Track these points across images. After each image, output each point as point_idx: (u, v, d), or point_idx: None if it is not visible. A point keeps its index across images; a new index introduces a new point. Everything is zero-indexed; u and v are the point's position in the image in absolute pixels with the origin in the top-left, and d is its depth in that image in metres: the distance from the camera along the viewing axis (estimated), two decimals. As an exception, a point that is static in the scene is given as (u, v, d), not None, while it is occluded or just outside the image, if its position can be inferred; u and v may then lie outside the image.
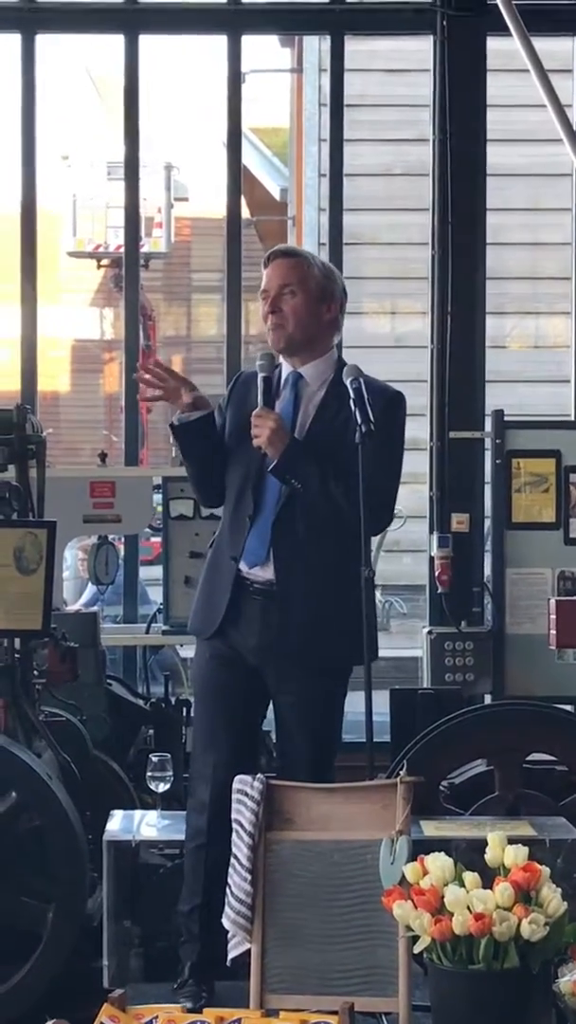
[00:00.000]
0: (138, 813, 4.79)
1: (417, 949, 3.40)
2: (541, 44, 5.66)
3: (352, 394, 4.04)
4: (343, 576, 4.05)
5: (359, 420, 3.98)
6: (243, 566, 4.13)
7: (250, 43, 6.88)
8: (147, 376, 4.22)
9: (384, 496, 4.13)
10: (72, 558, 9.56)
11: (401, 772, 3.75)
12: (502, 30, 5.73)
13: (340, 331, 4.33)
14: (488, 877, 3.45)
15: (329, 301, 4.23)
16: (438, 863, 3.45)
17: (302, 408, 4.18)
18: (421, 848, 3.64)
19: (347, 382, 4.09)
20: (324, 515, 4.06)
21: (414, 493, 10.70)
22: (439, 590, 6.37)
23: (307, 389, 4.20)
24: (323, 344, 4.24)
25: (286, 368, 4.24)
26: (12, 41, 6.80)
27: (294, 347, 4.19)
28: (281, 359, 4.25)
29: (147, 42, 6.84)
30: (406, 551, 10.50)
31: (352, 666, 4.27)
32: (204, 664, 4.25)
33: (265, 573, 4.12)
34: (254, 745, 4.31)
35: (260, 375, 4.12)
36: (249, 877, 3.72)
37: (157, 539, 10.18)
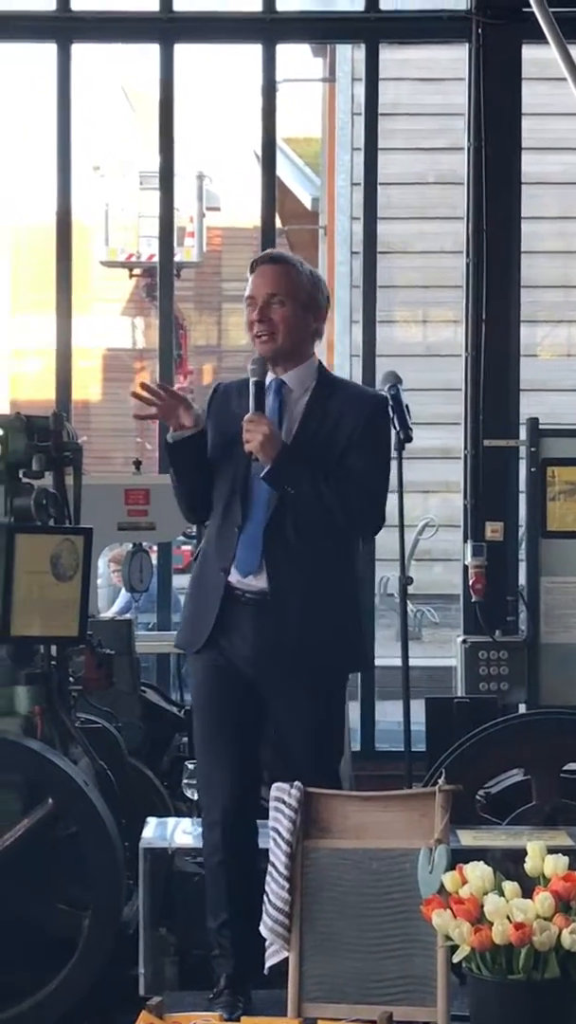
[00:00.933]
0: (173, 820, 4.79)
1: (456, 958, 3.38)
2: (574, 52, 5.65)
3: (391, 401, 4.03)
4: (335, 580, 4.08)
5: (397, 426, 3.97)
6: (233, 576, 4.09)
7: (282, 52, 6.88)
8: (144, 394, 4.18)
9: (376, 498, 4.13)
10: (104, 566, 9.56)
11: (439, 780, 3.73)
12: (538, 38, 5.73)
13: (322, 339, 4.32)
14: (525, 887, 3.44)
15: (316, 310, 4.20)
16: (477, 872, 3.43)
17: (287, 415, 4.15)
18: (458, 858, 3.62)
19: (384, 389, 4.08)
20: (316, 520, 4.04)
21: (446, 502, 10.76)
22: (473, 599, 6.35)
23: (291, 396, 4.17)
24: (306, 352, 4.22)
25: (268, 376, 4.19)
26: (48, 51, 6.83)
27: (281, 356, 4.17)
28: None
29: (179, 51, 6.85)
30: (438, 560, 10.50)
31: (349, 671, 4.29)
32: (201, 680, 4.21)
33: (258, 582, 4.07)
34: (257, 757, 4.24)
35: (252, 380, 4.08)
36: (287, 885, 3.71)
37: (188, 547, 10.21)
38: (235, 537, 4.10)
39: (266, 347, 4.14)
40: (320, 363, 4.29)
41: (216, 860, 4.16)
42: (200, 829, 4.53)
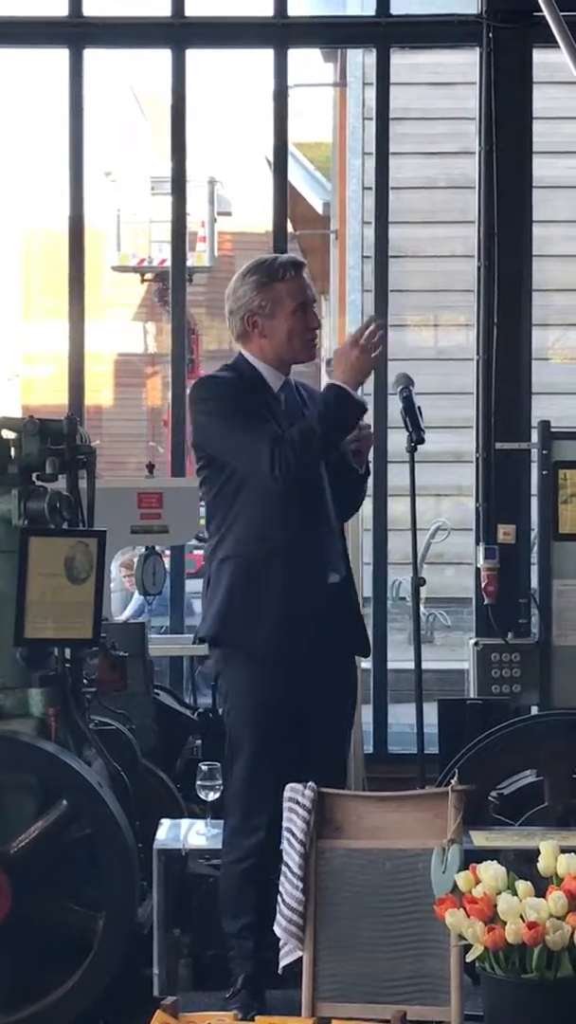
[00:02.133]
0: (186, 822, 4.81)
1: (470, 958, 3.40)
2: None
3: (402, 403, 4.06)
4: None
5: (410, 428, 4.00)
6: (331, 574, 4.20)
7: (293, 57, 6.90)
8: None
9: None
10: (115, 571, 9.59)
11: (452, 781, 3.74)
12: (548, 42, 5.74)
13: None
14: (538, 887, 3.45)
15: None
16: (491, 872, 3.45)
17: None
18: (471, 858, 3.63)
19: (396, 391, 4.11)
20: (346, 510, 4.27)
21: (458, 506, 10.78)
22: (486, 601, 6.36)
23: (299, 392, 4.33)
24: None
25: (277, 376, 4.24)
26: (60, 56, 6.85)
27: None
28: (265, 367, 4.25)
29: (190, 56, 6.87)
30: (450, 563, 10.51)
31: None
32: (273, 684, 4.16)
33: (336, 577, 4.21)
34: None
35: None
36: (301, 885, 3.73)
37: (199, 552, 10.23)
38: (325, 537, 4.19)
39: (313, 351, 4.27)
40: None
41: (250, 864, 4.15)
42: (215, 831, 4.55)
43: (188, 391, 4.39)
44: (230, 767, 4.29)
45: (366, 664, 5.63)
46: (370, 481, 4.44)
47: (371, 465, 4.28)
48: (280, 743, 4.18)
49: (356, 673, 4.45)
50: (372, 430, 4.17)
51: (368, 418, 4.17)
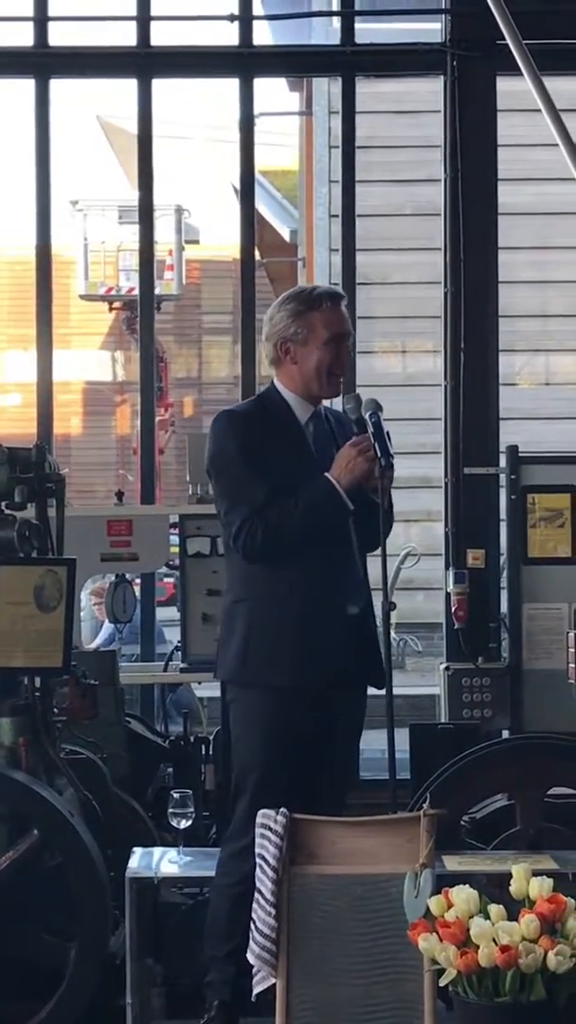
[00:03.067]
0: (158, 850, 4.79)
1: (443, 982, 3.39)
2: (548, 84, 5.71)
3: (371, 428, 4.08)
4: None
5: (379, 453, 4.02)
6: (349, 606, 4.20)
7: (259, 86, 6.93)
8: None
9: None
10: (86, 600, 9.57)
11: (424, 806, 3.74)
12: (512, 70, 5.78)
13: None
14: (510, 911, 3.45)
15: None
16: (463, 895, 3.44)
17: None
18: (443, 883, 3.62)
19: (365, 416, 4.13)
20: (364, 538, 4.21)
21: (427, 531, 10.80)
22: (456, 626, 6.37)
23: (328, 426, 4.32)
24: None
25: (306, 406, 4.26)
26: (26, 86, 6.87)
27: None
28: (293, 397, 4.28)
29: (156, 86, 6.90)
30: (420, 589, 10.52)
31: None
32: (288, 717, 4.18)
33: (354, 609, 4.22)
34: None
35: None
36: (273, 912, 3.71)
37: (170, 580, 10.22)
38: (338, 569, 4.19)
39: (338, 388, 4.27)
40: None
41: (244, 889, 4.07)
42: (187, 859, 4.54)
43: None
44: (237, 793, 4.30)
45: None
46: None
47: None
48: (289, 772, 4.18)
49: (365, 704, 4.42)
50: (393, 469, 4.16)
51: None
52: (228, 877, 4.22)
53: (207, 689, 6.69)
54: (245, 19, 6.82)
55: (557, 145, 5.55)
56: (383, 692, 4.16)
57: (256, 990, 3.75)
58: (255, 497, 4.13)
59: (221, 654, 4.31)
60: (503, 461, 6.26)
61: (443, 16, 6.80)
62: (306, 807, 3.82)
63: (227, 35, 6.89)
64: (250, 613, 4.21)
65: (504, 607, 6.32)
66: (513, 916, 3.38)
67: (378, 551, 4.18)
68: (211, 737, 5.60)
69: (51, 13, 6.85)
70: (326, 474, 4.12)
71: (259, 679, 4.21)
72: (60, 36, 6.90)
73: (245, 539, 4.13)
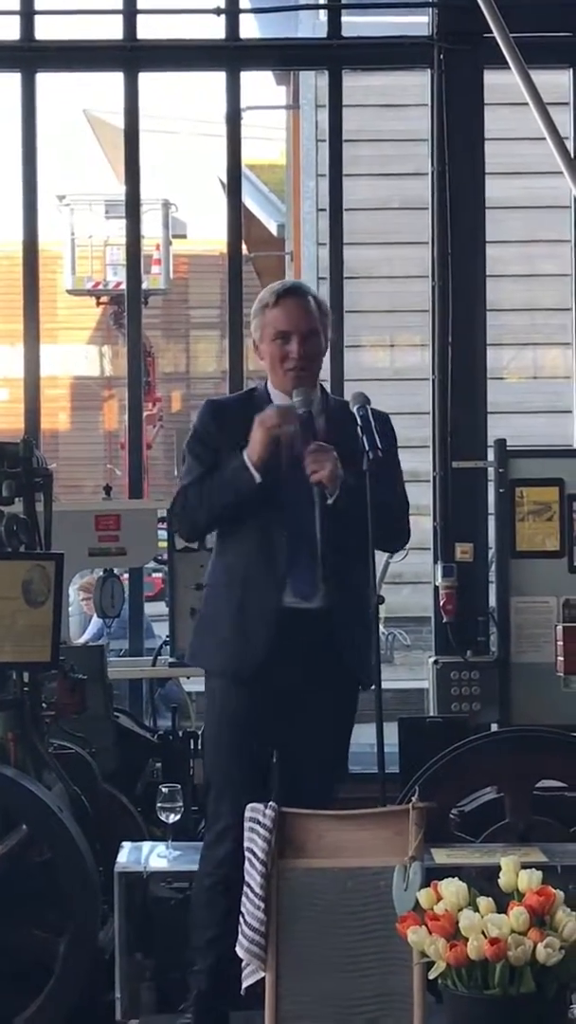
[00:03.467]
0: (147, 845, 4.80)
1: (432, 975, 3.39)
2: (535, 77, 5.71)
3: (359, 421, 4.08)
4: (367, 596, 4.17)
5: (367, 447, 4.02)
6: (288, 599, 4.16)
7: (246, 80, 6.92)
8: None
9: (407, 514, 4.30)
10: (74, 595, 9.56)
11: (413, 798, 3.74)
12: (499, 63, 5.78)
13: None
14: (499, 903, 3.45)
15: (327, 336, 4.33)
16: (452, 888, 3.44)
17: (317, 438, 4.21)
18: (432, 875, 3.62)
19: (354, 409, 4.13)
20: (361, 537, 4.11)
21: (415, 525, 10.78)
22: (444, 619, 6.38)
23: (315, 420, 4.25)
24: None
25: (282, 399, 4.25)
26: (12, 80, 6.85)
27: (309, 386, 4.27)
28: (274, 391, 4.29)
29: (143, 79, 6.88)
30: (408, 583, 10.52)
31: (367, 686, 4.36)
32: (233, 699, 4.22)
33: (313, 602, 4.17)
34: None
35: (301, 411, 4.16)
36: (262, 905, 3.71)
37: (158, 575, 10.21)
38: (286, 560, 4.15)
39: (304, 380, 4.23)
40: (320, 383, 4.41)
41: (217, 879, 4.18)
42: (177, 853, 4.54)
43: None
44: (206, 784, 4.35)
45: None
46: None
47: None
48: (244, 763, 4.18)
49: (346, 703, 4.33)
50: (333, 453, 4.11)
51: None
52: (204, 867, 4.26)
53: (196, 684, 6.66)
54: (232, 12, 6.81)
55: (544, 139, 5.56)
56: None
57: (246, 983, 3.75)
58: (190, 476, 4.26)
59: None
60: (491, 455, 6.27)
61: (430, 9, 6.79)
62: (281, 801, 3.84)
63: (214, 29, 6.88)
64: (206, 600, 4.36)
65: (492, 601, 6.33)
66: (502, 909, 3.38)
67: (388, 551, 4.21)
68: (199, 732, 5.60)
69: (37, 7, 6.84)
70: (244, 451, 4.16)
71: (200, 662, 4.36)
72: (46, 30, 6.89)
73: (172, 515, 4.34)
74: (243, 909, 3.75)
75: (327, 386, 7.08)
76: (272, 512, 4.17)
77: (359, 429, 4.08)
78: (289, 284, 4.43)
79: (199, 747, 5.57)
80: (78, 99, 17.60)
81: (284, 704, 4.18)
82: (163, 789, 4.66)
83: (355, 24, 7.22)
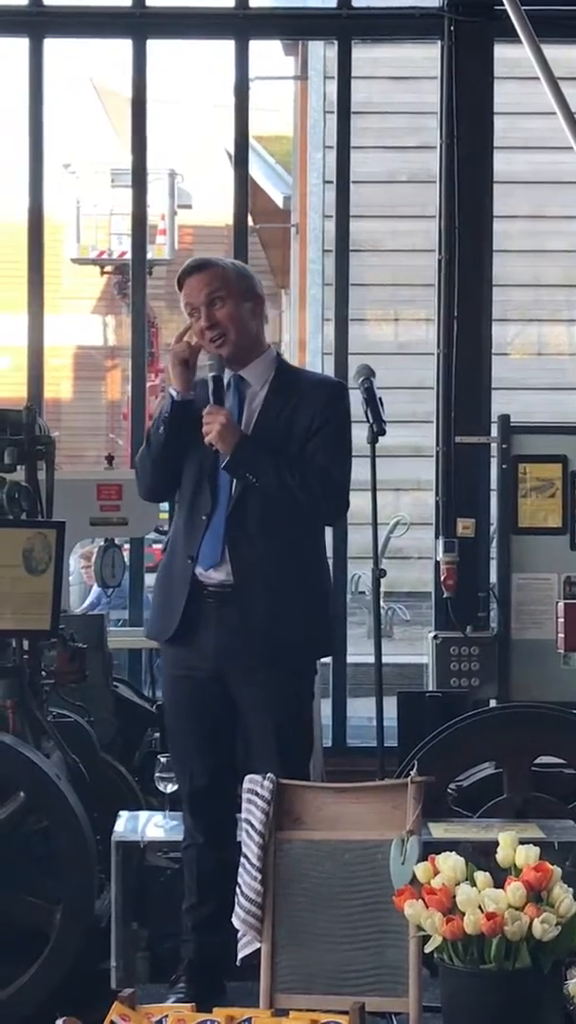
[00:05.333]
0: (144, 814, 4.79)
1: (428, 949, 3.40)
2: (546, 51, 5.67)
3: (363, 394, 4.06)
4: (300, 569, 4.11)
5: (371, 419, 4.00)
6: (199, 568, 4.12)
7: (254, 50, 6.88)
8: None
9: (338, 483, 4.15)
10: (75, 564, 9.56)
11: (411, 773, 3.74)
12: (510, 36, 5.73)
13: (267, 325, 4.37)
14: (496, 878, 3.45)
15: (254, 298, 4.24)
16: (449, 863, 3.45)
17: (246, 408, 4.19)
18: (430, 850, 3.63)
19: (357, 383, 4.12)
20: (279, 509, 4.06)
21: (417, 500, 10.80)
22: (445, 595, 6.37)
23: (249, 390, 4.21)
24: (261, 343, 4.27)
25: (227, 373, 4.23)
26: (20, 46, 6.81)
27: (239, 354, 4.20)
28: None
29: (151, 47, 6.85)
30: (410, 558, 10.53)
31: (315, 661, 4.33)
32: (170, 670, 4.26)
33: (219, 574, 4.10)
34: (232, 749, 4.24)
35: (210, 375, 4.14)
36: (259, 877, 3.72)
37: (158, 546, 10.20)
38: (202, 528, 4.13)
39: (224, 349, 4.17)
40: (279, 354, 4.33)
41: (186, 845, 4.22)
42: (174, 823, 4.55)
43: None
44: None
45: (325, 659, 5.62)
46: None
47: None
48: (191, 731, 4.17)
49: (289, 680, 4.17)
50: (221, 418, 4.07)
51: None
52: (183, 837, 4.29)
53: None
54: (241, -19, 6.78)
55: (554, 114, 5.52)
56: (369, 660, 4.15)
57: (241, 954, 3.77)
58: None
59: None
60: (495, 431, 6.25)
61: (441, -20, 6.76)
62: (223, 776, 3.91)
63: (223, -3, 6.85)
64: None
65: (493, 577, 6.32)
66: (499, 884, 3.39)
67: (365, 517, 4.17)
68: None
69: (46, -28, 6.81)
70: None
71: (147, 631, 4.44)
72: (55, -5, 6.86)
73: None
74: (240, 880, 3.76)
75: (330, 360, 7.13)
76: (199, 480, 4.16)
77: (363, 403, 4.07)
78: (187, 264, 4.35)
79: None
80: (85, 67, 17.52)
81: (229, 681, 4.12)
82: (161, 759, 4.65)
83: (366, -6, 7.18)
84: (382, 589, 4.61)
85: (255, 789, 3.79)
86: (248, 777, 3.83)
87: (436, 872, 3.46)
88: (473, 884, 3.40)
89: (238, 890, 3.76)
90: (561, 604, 5.12)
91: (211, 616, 4.11)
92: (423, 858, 3.53)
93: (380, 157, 10.92)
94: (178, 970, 4.20)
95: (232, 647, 4.08)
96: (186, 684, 4.18)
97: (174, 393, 4.14)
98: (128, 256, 7.80)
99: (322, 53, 11.08)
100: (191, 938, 4.19)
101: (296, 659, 4.15)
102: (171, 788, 4.61)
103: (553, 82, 5.46)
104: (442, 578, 6.38)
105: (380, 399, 4.06)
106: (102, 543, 6.24)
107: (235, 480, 4.09)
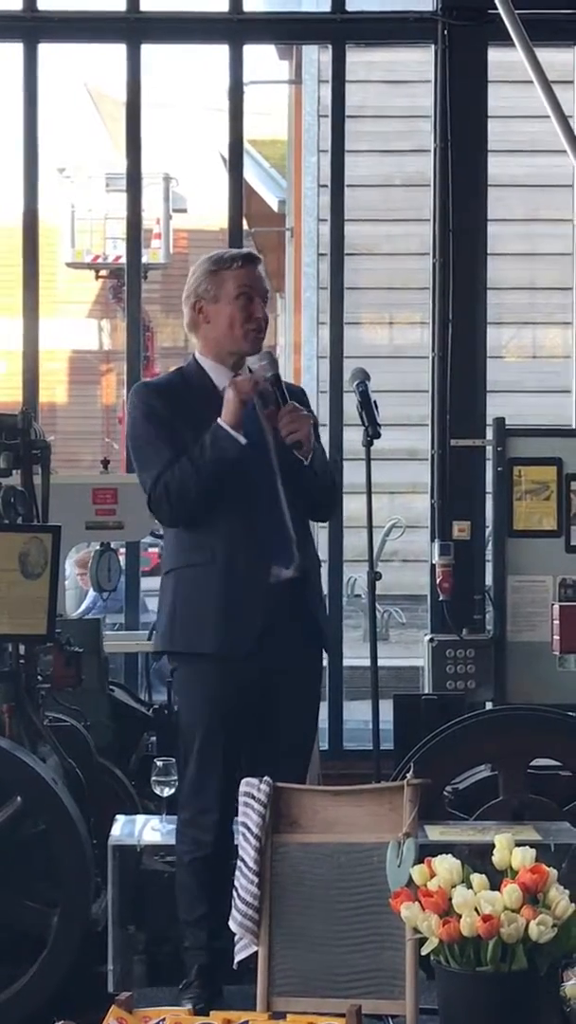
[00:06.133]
0: (141, 818, 4.81)
1: (425, 951, 3.40)
2: (540, 55, 5.68)
3: (358, 397, 4.07)
4: (319, 564, 4.35)
5: (366, 422, 4.01)
6: (274, 568, 4.15)
7: (248, 54, 6.89)
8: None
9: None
10: (70, 568, 9.57)
11: (408, 775, 3.75)
12: (504, 40, 5.76)
13: None
14: (493, 881, 3.46)
15: None
16: (446, 865, 3.45)
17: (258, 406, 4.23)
18: (426, 852, 3.63)
19: (352, 386, 4.13)
20: (316, 505, 4.22)
21: (412, 503, 10.81)
22: (440, 598, 6.36)
23: (282, 383, 4.25)
24: None
25: (223, 371, 4.22)
26: (14, 51, 6.82)
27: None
28: (211, 363, 4.25)
29: (145, 52, 6.85)
30: (405, 561, 10.53)
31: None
32: (220, 688, 4.17)
33: (288, 572, 4.17)
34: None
35: (269, 374, 4.14)
36: (256, 880, 3.73)
37: (155, 550, 10.20)
38: (265, 533, 4.14)
39: (259, 343, 4.22)
40: None
41: (201, 855, 4.17)
42: (170, 827, 4.55)
43: None
44: (183, 763, 4.31)
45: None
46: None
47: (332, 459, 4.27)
48: (229, 741, 4.18)
49: (319, 671, 4.45)
50: (307, 415, 4.11)
51: (323, 415, 4.20)
52: (182, 845, 4.24)
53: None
54: (236, -15, 6.79)
55: (548, 117, 5.54)
56: (366, 663, 4.17)
57: (238, 958, 3.77)
58: (161, 460, 4.16)
59: (157, 624, 4.39)
60: (490, 433, 6.25)
61: (435, -16, 6.77)
62: (255, 776, 3.84)
63: (217, 1, 6.85)
64: (177, 583, 4.23)
65: (489, 579, 6.33)
66: (495, 886, 3.39)
67: (361, 520, 4.21)
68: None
69: (40, -23, 6.81)
70: (217, 420, 4.12)
71: (186, 648, 4.23)
72: (49, 0, 6.85)
73: (157, 502, 4.17)
74: (236, 883, 3.76)
75: (325, 363, 7.13)
76: (240, 484, 4.13)
77: (358, 406, 4.08)
78: (248, 251, 4.43)
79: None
80: (80, 72, 17.54)
81: (268, 681, 4.16)
82: (157, 763, 4.66)
83: (359, -1, 7.20)
84: (378, 592, 4.62)
85: (251, 792, 3.79)
86: (245, 780, 3.84)
87: (432, 874, 3.46)
88: (469, 886, 3.40)
89: (234, 893, 3.76)
90: (556, 606, 5.14)
91: (284, 614, 4.14)
92: (419, 860, 3.53)
93: (374, 161, 10.93)
94: (189, 975, 4.18)
95: (297, 644, 4.18)
96: (237, 699, 4.16)
97: (242, 440, 4.10)
98: (123, 260, 7.81)
99: (316, 57, 11.09)
100: (203, 947, 4.16)
101: (331, 646, 4.45)
102: (168, 792, 4.62)
103: (546, 85, 5.49)
104: (438, 581, 6.38)
105: (375, 402, 4.07)
106: (98, 547, 6.24)
107: (280, 480, 4.16)
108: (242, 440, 4.09)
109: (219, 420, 4.10)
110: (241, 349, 4.19)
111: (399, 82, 10.58)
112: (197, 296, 4.23)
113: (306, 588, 4.23)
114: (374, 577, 4.07)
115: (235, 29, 6.83)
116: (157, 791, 4.65)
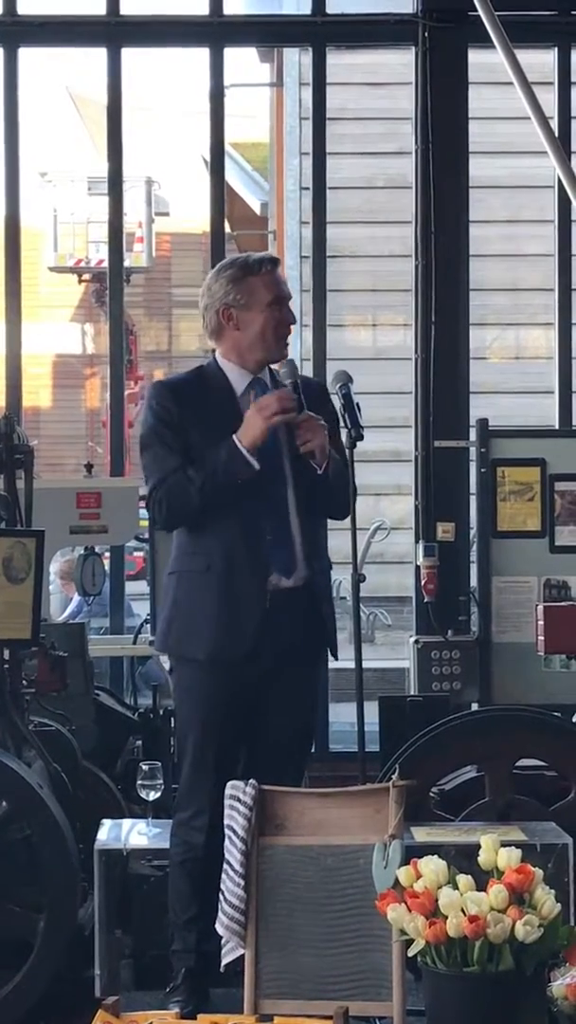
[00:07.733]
0: (127, 822, 4.81)
1: (411, 952, 3.40)
2: (520, 56, 5.69)
3: (341, 400, 4.07)
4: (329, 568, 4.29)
5: (348, 424, 4.01)
6: (274, 579, 4.15)
7: (229, 57, 6.89)
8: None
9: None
10: (53, 577, 9.55)
11: (393, 777, 3.75)
12: (484, 42, 5.76)
13: None
14: (479, 881, 3.46)
15: None
16: (431, 866, 3.45)
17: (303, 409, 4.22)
18: (412, 853, 3.63)
19: (335, 388, 4.13)
20: (331, 505, 4.21)
21: (396, 505, 10.82)
22: (425, 599, 6.37)
23: (301, 392, 4.23)
24: None
25: (244, 375, 4.22)
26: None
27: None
28: (232, 366, 4.25)
29: (126, 55, 6.85)
30: (389, 562, 10.53)
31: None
32: (217, 691, 4.18)
33: (288, 582, 4.16)
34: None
35: (289, 381, 4.15)
36: (242, 883, 3.72)
37: (139, 554, 10.20)
38: (269, 541, 4.14)
39: (286, 350, 4.24)
40: None
41: (193, 857, 4.17)
42: (156, 830, 4.55)
43: None
44: (178, 765, 4.32)
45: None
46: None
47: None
48: (224, 744, 4.18)
49: (318, 675, 4.47)
50: (323, 424, 4.12)
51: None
52: (176, 847, 4.24)
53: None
54: (216, -12, 6.79)
55: (529, 118, 5.54)
56: (351, 665, 4.17)
57: (225, 960, 3.77)
58: (165, 467, 4.16)
59: (157, 625, 4.42)
60: (473, 435, 6.26)
61: (415, -13, 6.78)
62: (254, 779, 3.83)
63: (197, 4, 6.85)
64: (177, 586, 4.24)
65: (474, 580, 6.33)
66: (481, 887, 3.40)
67: (344, 522, 4.20)
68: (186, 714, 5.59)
69: (20, -19, 6.80)
70: (234, 436, 4.10)
71: (181, 651, 4.25)
72: (29, 5, 6.85)
73: (154, 507, 4.22)
74: (223, 886, 3.76)
75: (308, 365, 7.14)
76: (249, 492, 4.12)
77: (340, 408, 4.08)
78: (270, 254, 4.47)
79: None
80: (61, 76, 17.52)
81: (263, 685, 4.17)
82: (143, 767, 4.66)
83: (340, 1, 7.19)
84: (362, 594, 4.62)
85: (237, 795, 3.79)
86: (231, 784, 3.83)
87: (418, 876, 3.46)
88: (455, 887, 3.40)
89: (221, 896, 3.76)
90: (541, 607, 5.13)
91: (285, 620, 4.15)
92: (405, 862, 3.53)
93: (356, 163, 10.94)
94: (175, 979, 4.18)
95: (302, 650, 4.21)
96: (232, 701, 4.17)
97: (256, 466, 4.09)
98: (105, 264, 7.81)
99: (297, 59, 11.09)
100: (192, 949, 4.16)
101: (336, 651, 4.39)
102: (154, 796, 4.62)
103: (527, 87, 5.49)
104: (423, 582, 6.38)
105: (358, 404, 4.07)
106: (82, 551, 6.24)
107: (291, 488, 4.16)
108: (256, 466, 4.09)
109: (236, 439, 4.08)
110: (273, 355, 4.22)
111: (380, 84, 10.59)
112: (225, 304, 4.19)
113: (310, 595, 4.22)
114: (358, 579, 4.06)
115: (216, 32, 6.83)
116: (143, 795, 4.64)
